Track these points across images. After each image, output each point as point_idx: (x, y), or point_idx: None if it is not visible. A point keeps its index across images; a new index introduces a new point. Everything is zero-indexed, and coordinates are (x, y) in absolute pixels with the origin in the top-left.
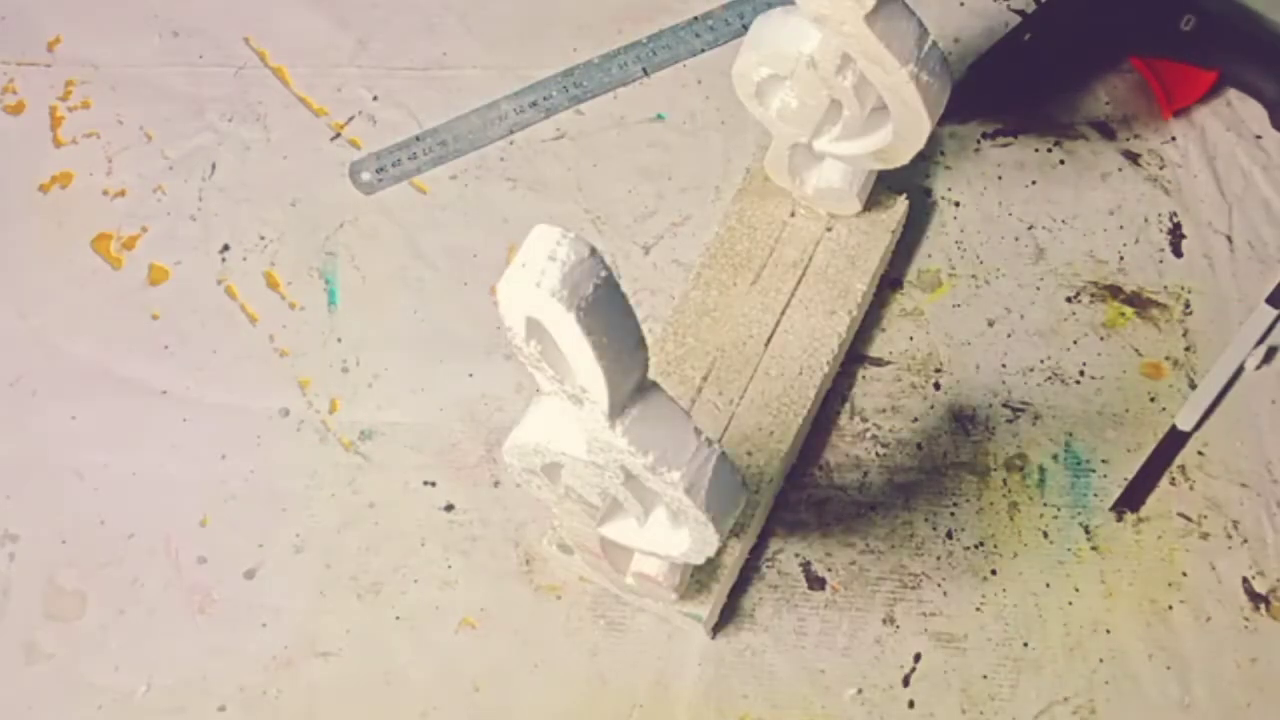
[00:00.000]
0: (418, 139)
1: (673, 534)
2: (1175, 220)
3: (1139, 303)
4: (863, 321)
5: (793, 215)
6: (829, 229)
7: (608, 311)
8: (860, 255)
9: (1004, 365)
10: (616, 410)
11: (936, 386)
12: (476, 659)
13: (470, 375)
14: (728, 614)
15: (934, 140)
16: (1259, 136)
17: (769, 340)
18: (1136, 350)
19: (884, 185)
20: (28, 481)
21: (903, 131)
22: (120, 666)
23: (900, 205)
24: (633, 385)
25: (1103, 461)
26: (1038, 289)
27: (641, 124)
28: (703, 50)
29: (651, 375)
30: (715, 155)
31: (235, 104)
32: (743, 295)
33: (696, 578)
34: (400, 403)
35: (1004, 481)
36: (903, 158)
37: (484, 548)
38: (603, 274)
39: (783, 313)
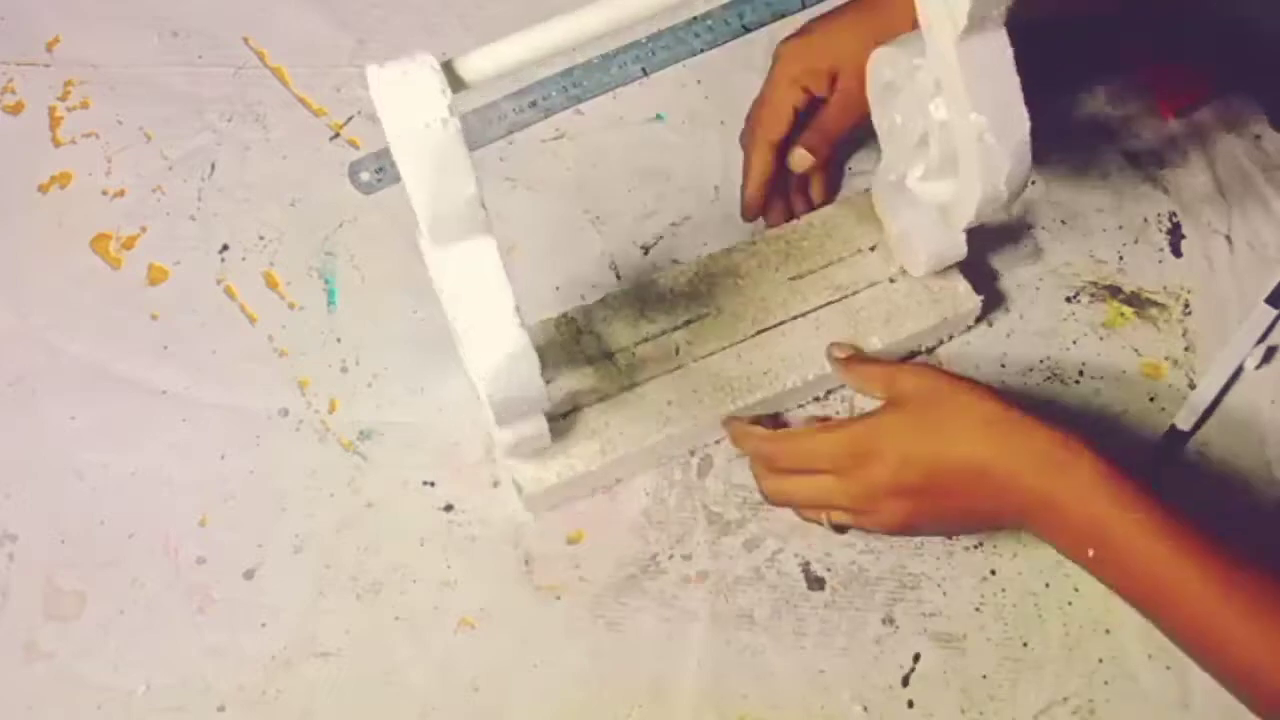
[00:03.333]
0: None
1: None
2: (1175, 220)
3: (1138, 303)
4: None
5: (873, 249)
6: (892, 280)
7: None
8: (897, 317)
9: (1004, 365)
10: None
11: None
12: (476, 659)
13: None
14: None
15: None
16: (1259, 137)
17: (761, 332)
18: (1136, 350)
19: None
20: (27, 481)
21: (961, 193)
22: (119, 666)
23: (968, 301)
24: None
25: None
26: (1037, 289)
27: (641, 124)
28: (702, 50)
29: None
30: (714, 155)
31: (234, 104)
32: (775, 284)
33: None
34: (399, 403)
35: None
36: (958, 221)
37: (483, 548)
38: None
39: (793, 319)
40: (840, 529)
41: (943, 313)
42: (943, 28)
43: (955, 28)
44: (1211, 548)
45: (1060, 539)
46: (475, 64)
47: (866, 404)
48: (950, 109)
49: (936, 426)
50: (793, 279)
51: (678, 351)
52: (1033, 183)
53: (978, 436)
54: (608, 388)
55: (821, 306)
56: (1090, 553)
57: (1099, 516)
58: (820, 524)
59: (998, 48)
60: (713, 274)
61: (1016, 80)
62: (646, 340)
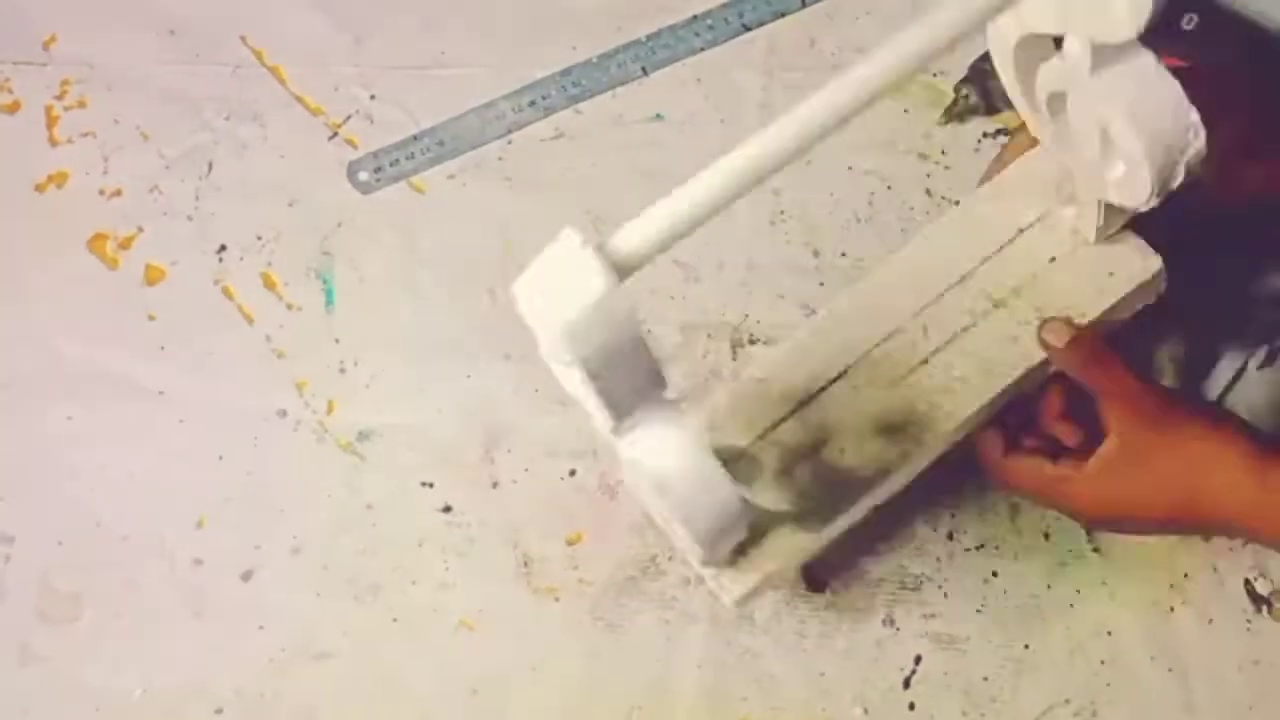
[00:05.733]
0: (415, 138)
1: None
2: None
3: None
4: None
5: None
6: (1052, 260)
7: None
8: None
9: None
10: None
11: None
12: (474, 661)
13: (468, 376)
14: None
15: (934, 139)
16: None
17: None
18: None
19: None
20: (24, 482)
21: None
22: (116, 669)
23: (1151, 263)
24: None
25: None
26: None
27: (640, 123)
28: (702, 49)
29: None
30: (714, 154)
31: (232, 103)
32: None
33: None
34: (398, 404)
35: None
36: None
37: (482, 549)
38: None
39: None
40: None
41: (1129, 277)
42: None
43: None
44: None
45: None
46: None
47: None
48: None
49: (1199, 468)
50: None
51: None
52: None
53: (1239, 479)
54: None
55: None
56: None
57: None
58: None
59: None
60: (889, 280)
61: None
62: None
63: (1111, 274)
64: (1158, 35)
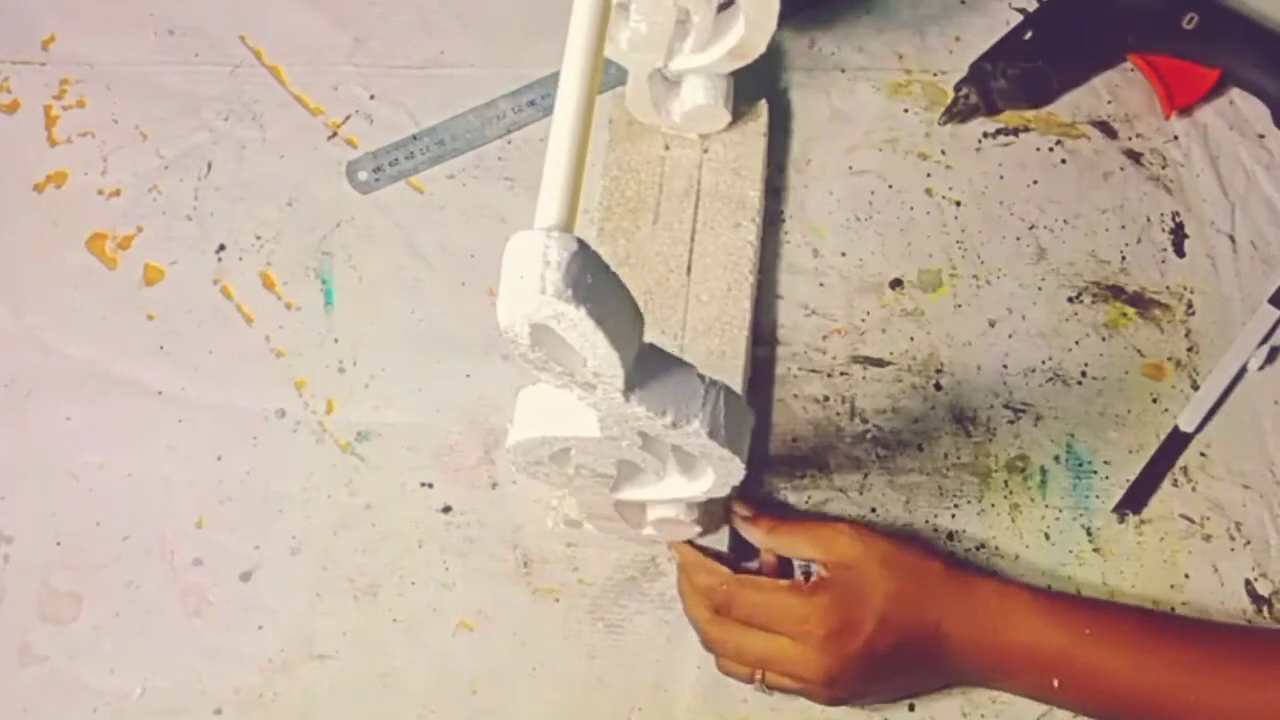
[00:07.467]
0: (415, 138)
1: (692, 478)
2: (1178, 220)
3: (1141, 303)
4: (862, 320)
5: (667, 148)
6: (705, 150)
7: (609, 294)
8: (743, 165)
9: (1005, 366)
10: (630, 384)
11: (937, 387)
12: (474, 661)
13: (468, 376)
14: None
15: (934, 139)
16: (1262, 136)
17: (689, 269)
18: (1139, 351)
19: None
20: (22, 482)
21: (754, 16)
22: (115, 669)
23: (761, 107)
24: (636, 354)
25: (1105, 463)
26: (1039, 289)
27: None
28: None
29: None
30: None
31: (231, 103)
32: (649, 236)
33: (706, 508)
34: (397, 403)
35: (1005, 483)
36: (760, 45)
37: (481, 549)
38: (596, 261)
39: (692, 240)
40: (770, 690)
41: (758, 130)
42: None
43: None
44: (1161, 633)
45: (1020, 681)
46: None
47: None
48: None
49: (903, 593)
50: (654, 222)
51: (665, 346)
52: None
53: (932, 599)
54: None
55: (695, 212)
56: (1055, 682)
57: (1057, 647)
58: (747, 681)
59: None
60: None
61: None
62: None
63: (745, 131)
64: (1159, 35)
